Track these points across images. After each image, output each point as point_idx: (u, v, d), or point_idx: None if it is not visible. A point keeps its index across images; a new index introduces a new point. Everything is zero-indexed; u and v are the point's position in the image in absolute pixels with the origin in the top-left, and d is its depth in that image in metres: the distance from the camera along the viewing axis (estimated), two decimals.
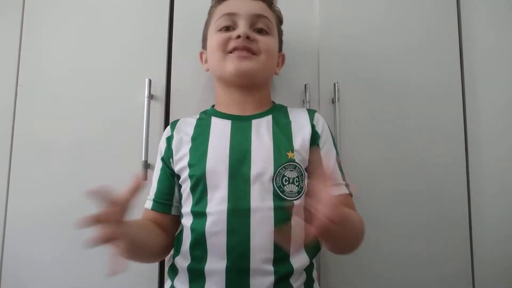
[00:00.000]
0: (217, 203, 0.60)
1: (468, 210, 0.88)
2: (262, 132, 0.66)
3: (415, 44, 0.92)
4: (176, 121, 0.73)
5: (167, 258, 0.79)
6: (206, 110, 0.74)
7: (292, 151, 0.63)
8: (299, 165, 0.63)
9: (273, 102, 0.76)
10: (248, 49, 0.65)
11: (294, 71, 0.85)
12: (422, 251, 0.86)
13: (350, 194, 0.65)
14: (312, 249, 0.64)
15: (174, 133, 0.70)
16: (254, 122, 0.68)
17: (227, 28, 0.68)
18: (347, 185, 0.66)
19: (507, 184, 0.90)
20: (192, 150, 0.65)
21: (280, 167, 0.61)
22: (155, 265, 0.81)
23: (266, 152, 0.63)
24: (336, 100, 0.85)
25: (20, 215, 0.83)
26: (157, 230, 0.65)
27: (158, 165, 0.70)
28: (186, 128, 0.70)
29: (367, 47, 0.91)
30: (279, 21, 0.76)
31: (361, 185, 0.82)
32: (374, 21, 0.92)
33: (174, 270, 0.64)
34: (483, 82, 0.93)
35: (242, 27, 0.66)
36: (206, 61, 0.75)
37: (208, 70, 0.75)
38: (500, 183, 0.90)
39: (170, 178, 0.68)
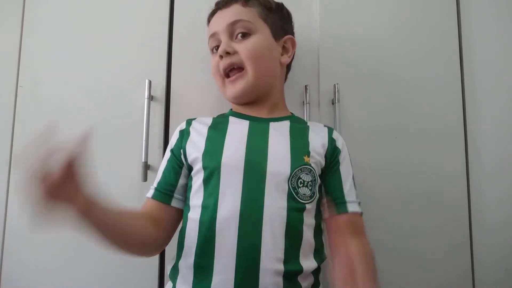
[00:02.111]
0: (230, 198, 0.59)
1: (468, 212, 0.88)
2: (279, 134, 0.66)
3: (415, 45, 0.92)
4: (193, 118, 0.73)
5: (168, 259, 0.79)
6: (224, 113, 0.75)
7: (308, 156, 0.64)
8: (314, 170, 0.63)
9: (292, 113, 0.76)
10: (234, 65, 0.67)
11: (294, 72, 0.85)
12: (422, 253, 0.85)
13: (361, 213, 0.66)
14: (320, 255, 0.64)
15: (190, 127, 0.70)
16: (272, 124, 0.68)
17: (217, 47, 0.69)
18: (359, 203, 0.66)
19: (507, 186, 0.90)
20: (208, 142, 0.65)
21: (297, 169, 0.62)
22: (155, 266, 0.81)
23: (284, 152, 0.63)
24: (336, 101, 0.85)
25: (20, 215, 0.83)
26: (145, 220, 0.62)
27: (166, 156, 0.70)
28: (202, 123, 0.70)
29: (367, 48, 0.90)
30: (267, 9, 0.71)
31: (361, 187, 0.82)
32: (374, 22, 0.92)
33: (176, 270, 0.63)
34: (483, 83, 0.92)
35: (221, 45, 0.67)
36: None
37: None
38: (501, 185, 0.90)
39: (176, 168, 0.67)
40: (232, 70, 0.68)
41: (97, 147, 0.84)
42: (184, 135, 0.69)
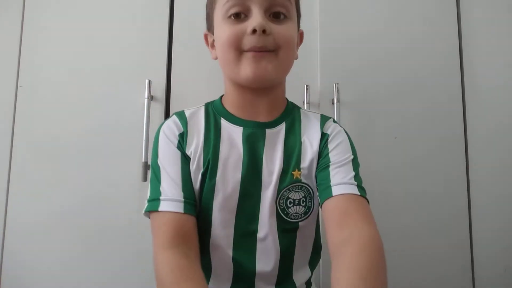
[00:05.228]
0: (224, 225, 0.56)
1: (468, 211, 0.88)
2: (274, 149, 0.59)
3: (415, 45, 0.92)
4: (184, 116, 0.61)
5: None
6: (213, 102, 0.64)
7: (299, 169, 0.58)
8: (306, 184, 0.58)
9: (287, 99, 0.66)
10: (266, 48, 0.55)
11: (294, 72, 0.84)
12: (422, 252, 0.86)
13: (366, 199, 0.56)
14: (315, 262, 0.62)
15: (188, 131, 0.59)
16: (268, 132, 0.59)
17: (237, 15, 0.55)
18: (360, 187, 0.56)
19: (507, 186, 0.90)
20: (204, 162, 0.57)
21: (284, 189, 0.57)
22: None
23: (275, 172, 0.57)
24: (336, 101, 0.85)
25: (20, 215, 0.83)
26: (199, 270, 0.50)
27: (173, 155, 0.57)
28: (198, 130, 0.60)
29: (367, 49, 0.90)
30: None
31: None
32: (374, 22, 0.92)
33: None
34: (483, 83, 0.92)
35: (256, 17, 0.54)
36: (212, 46, 0.63)
37: (216, 58, 0.62)
38: (501, 185, 0.90)
39: (190, 171, 0.57)
40: (259, 51, 0.55)
41: (97, 147, 0.84)
42: (185, 139, 0.58)
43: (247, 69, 0.55)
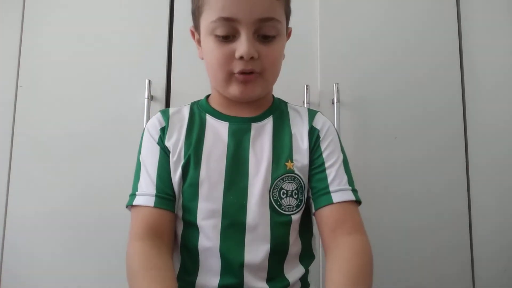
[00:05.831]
0: (210, 215, 0.55)
1: (468, 211, 0.88)
2: (261, 139, 0.60)
3: (415, 44, 0.92)
4: (167, 112, 0.62)
5: None
6: (199, 102, 0.65)
7: (292, 161, 0.58)
8: (299, 176, 0.58)
9: (273, 95, 0.67)
10: (253, 71, 0.56)
11: (294, 72, 0.85)
12: (422, 252, 0.86)
13: (358, 202, 0.57)
14: (307, 259, 0.61)
15: (169, 125, 0.60)
16: (254, 126, 0.60)
17: (225, 36, 0.55)
18: (355, 191, 0.58)
19: (507, 186, 0.90)
20: (185, 154, 0.58)
21: (278, 179, 0.57)
22: None
23: (264, 162, 0.57)
24: (336, 101, 0.85)
25: (20, 214, 0.83)
26: (167, 260, 0.53)
27: (152, 151, 0.58)
28: (180, 125, 0.61)
29: (367, 48, 0.91)
30: (287, 1, 0.62)
31: (361, 186, 0.82)
32: (374, 22, 0.92)
33: None
34: (483, 83, 0.92)
35: (244, 44, 0.54)
36: (199, 42, 0.62)
37: (203, 58, 0.62)
38: (501, 185, 0.90)
39: (169, 167, 0.57)
40: (246, 75, 0.57)
41: (97, 147, 0.84)
42: (165, 133, 0.59)
43: (235, 90, 0.57)
